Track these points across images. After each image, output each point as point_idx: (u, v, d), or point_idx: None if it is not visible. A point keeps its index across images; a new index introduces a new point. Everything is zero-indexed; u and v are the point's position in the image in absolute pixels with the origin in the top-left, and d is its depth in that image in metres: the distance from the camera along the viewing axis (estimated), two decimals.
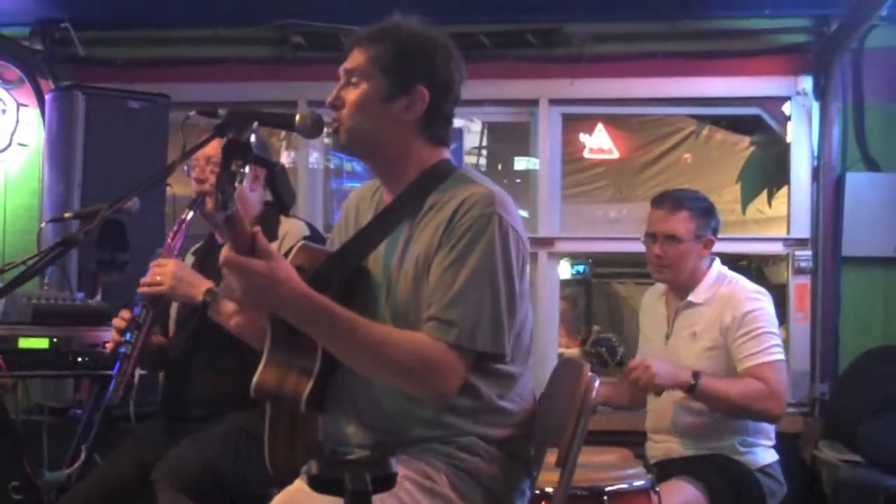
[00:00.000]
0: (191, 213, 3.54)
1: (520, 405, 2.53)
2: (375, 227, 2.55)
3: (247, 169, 2.17)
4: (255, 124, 2.23)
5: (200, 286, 3.45)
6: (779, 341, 3.78)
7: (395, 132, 2.49)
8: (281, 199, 2.32)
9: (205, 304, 3.42)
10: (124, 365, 3.48)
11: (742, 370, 3.72)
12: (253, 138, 2.22)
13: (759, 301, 3.81)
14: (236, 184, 2.14)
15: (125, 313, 3.54)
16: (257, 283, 2.18)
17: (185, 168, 3.60)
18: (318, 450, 2.52)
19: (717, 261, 3.99)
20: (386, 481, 1.68)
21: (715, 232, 3.96)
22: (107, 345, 3.67)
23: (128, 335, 3.49)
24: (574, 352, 8.02)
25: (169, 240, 3.57)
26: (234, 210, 2.13)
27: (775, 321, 3.82)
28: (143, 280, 3.52)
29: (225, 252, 2.19)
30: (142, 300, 3.51)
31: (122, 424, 4.09)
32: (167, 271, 3.48)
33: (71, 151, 5.05)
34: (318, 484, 1.69)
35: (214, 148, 3.31)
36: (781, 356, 3.77)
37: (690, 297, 3.91)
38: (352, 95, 2.47)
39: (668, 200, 3.99)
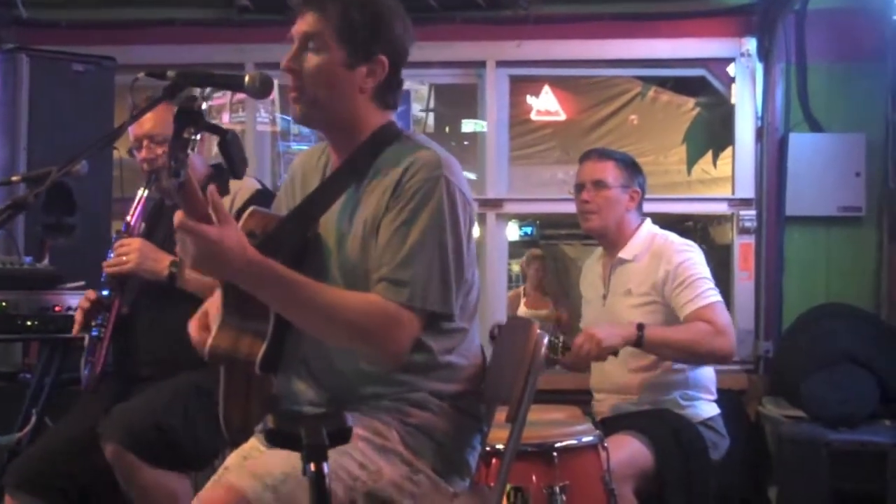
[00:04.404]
0: (146, 192, 3.57)
1: (469, 360, 2.57)
2: (324, 190, 2.55)
3: (198, 136, 2.19)
4: (207, 91, 2.24)
5: (164, 260, 3.48)
6: (713, 285, 3.82)
7: (354, 99, 2.49)
8: (234, 165, 2.32)
9: (171, 277, 3.44)
10: (98, 349, 3.49)
11: (684, 318, 3.77)
12: (204, 105, 2.23)
13: (689, 252, 3.88)
14: (188, 151, 2.16)
15: (90, 293, 3.54)
16: (209, 250, 2.18)
17: (131, 150, 3.62)
18: (274, 406, 2.54)
19: (648, 220, 4.05)
20: (341, 435, 1.70)
21: (642, 188, 4.03)
22: (56, 308, 3.66)
23: (99, 318, 3.49)
24: (542, 313, 8.04)
25: (129, 219, 3.59)
26: (187, 177, 2.14)
27: (706, 268, 3.87)
28: (109, 262, 3.52)
29: (178, 216, 2.19)
30: (108, 282, 3.52)
31: (72, 388, 4.08)
32: (133, 249, 3.49)
33: (16, 115, 4.97)
34: (274, 438, 1.70)
35: (154, 124, 3.40)
36: (719, 297, 3.81)
37: (621, 254, 3.97)
38: (312, 62, 2.45)
39: (594, 152, 4.13)
